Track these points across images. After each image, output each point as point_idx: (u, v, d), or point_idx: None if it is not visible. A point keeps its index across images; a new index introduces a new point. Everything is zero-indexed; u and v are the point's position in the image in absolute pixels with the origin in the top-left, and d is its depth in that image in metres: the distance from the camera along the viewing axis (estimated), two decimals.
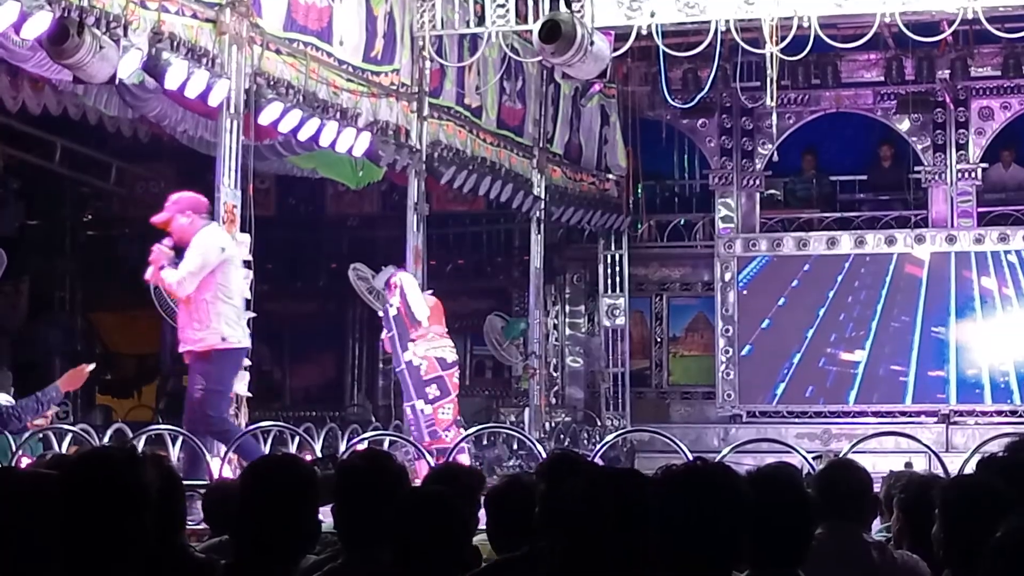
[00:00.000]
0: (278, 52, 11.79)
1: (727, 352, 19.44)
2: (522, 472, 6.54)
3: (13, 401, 10.52)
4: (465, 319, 19.57)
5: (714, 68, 15.29)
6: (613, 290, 20.04)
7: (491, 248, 21.06)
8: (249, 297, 11.10)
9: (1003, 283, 18.68)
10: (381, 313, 13.25)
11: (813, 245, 19.37)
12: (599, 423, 19.19)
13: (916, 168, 19.76)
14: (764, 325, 19.37)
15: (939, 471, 8.69)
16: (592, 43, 12.83)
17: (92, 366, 10.36)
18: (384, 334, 13.09)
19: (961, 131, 19.48)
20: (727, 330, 19.46)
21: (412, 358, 12.70)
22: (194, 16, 10.73)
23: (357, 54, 13.05)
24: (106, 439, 11.34)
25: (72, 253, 20.43)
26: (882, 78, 19.43)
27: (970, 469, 6.91)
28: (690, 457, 7.86)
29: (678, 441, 10.70)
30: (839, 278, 19.16)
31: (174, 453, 10.67)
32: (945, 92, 19.33)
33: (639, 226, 20.36)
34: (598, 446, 11.98)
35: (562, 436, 17.32)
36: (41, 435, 10.72)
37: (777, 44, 13.23)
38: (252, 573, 3.94)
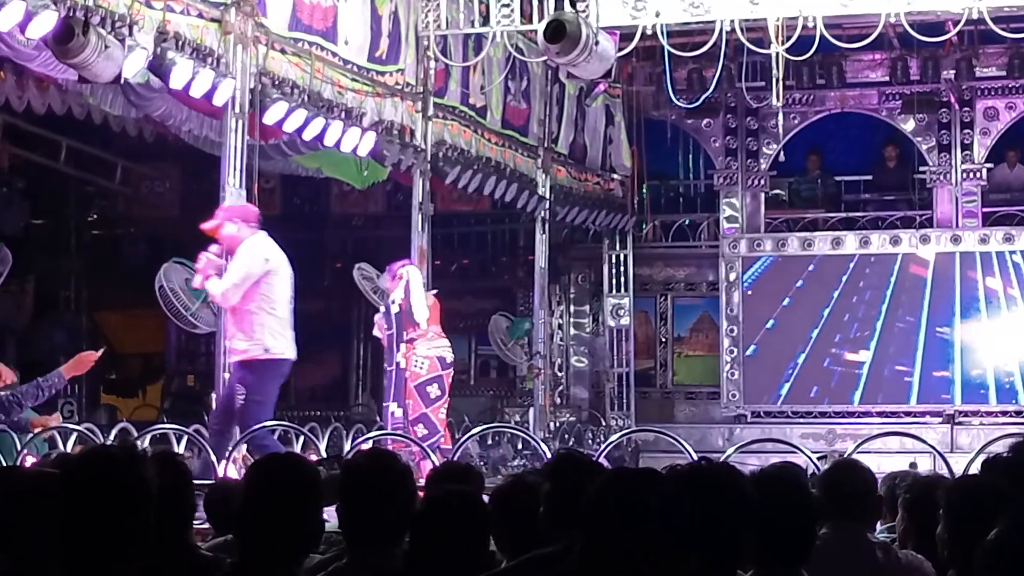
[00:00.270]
0: (283, 52, 11.79)
1: (732, 352, 19.43)
2: (526, 472, 6.54)
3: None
4: (470, 319, 19.61)
5: (719, 68, 15.28)
6: (618, 290, 20.03)
7: (496, 248, 21.08)
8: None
9: (1008, 283, 18.66)
10: (382, 309, 13.15)
11: (818, 245, 19.35)
12: (604, 423, 19.18)
13: (921, 168, 19.74)
14: (769, 325, 19.36)
15: (944, 471, 8.70)
16: (597, 43, 12.82)
17: (99, 353, 10.37)
18: (383, 330, 12.86)
19: (966, 131, 19.46)
20: (732, 330, 19.45)
21: (402, 361, 12.61)
22: (199, 16, 10.74)
23: (362, 54, 13.05)
24: (111, 438, 11.34)
25: (77, 252, 20.46)
26: (887, 78, 19.41)
27: (975, 469, 6.91)
28: (695, 457, 7.85)
29: (683, 441, 10.71)
30: (844, 278, 19.15)
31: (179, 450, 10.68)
32: (950, 92, 19.32)
33: (644, 226, 20.34)
34: (603, 446, 11.97)
35: (567, 436, 17.32)
36: (47, 434, 10.72)
37: (782, 44, 13.23)
38: (256, 572, 3.94)
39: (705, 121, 20.25)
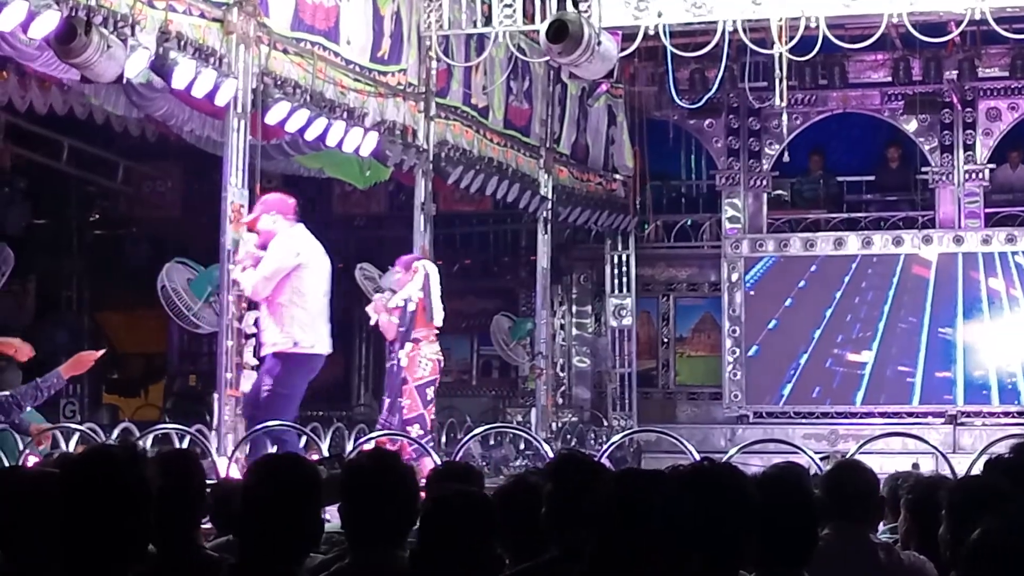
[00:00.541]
0: (285, 52, 11.78)
1: (734, 352, 19.43)
2: (528, 472, 6.54)
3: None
4: (472, 319, 19.60)
5: (721, 68, 15.29)
6: (620, 290, 20.03)
7: (498, 248, 21.08)
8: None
9: (1010, 284, 18.66)
10: (376, 296, 12.95)
11: (820, 246, 19.36)
12: (606, 423, 19.19)
13: (923, 169, 19.76)
14: (771, 326, 19.36)
15: (946, 472, 8.69)
16: (599, 43, 12.81)
17: (99, 353, 10.37)
18: (391, 328, 12.62)
19: (968, 132, 19.47)
20: (734, 331, 19.45)
21: (404, 359, 12.53)
22: (201, 15, 10.73)
23: (364, 54, 13.05)
24: (113, 438, 11.34)
25: (79, 252, 20.45)
26: (889, 79, 19.42)
27: (977, 470, 6.91)
28: (697, 457, 7.84)
29: (685, 441, 10.71)
30: (846, 279, 19.15)
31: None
32: (952, 93, 19.32)
33: (646, 226, 20.35)
34: (605, 446, 11.96)
35: (569, 436, 17.32)
36: (43, 443, 10.67)
37: (785, 44, 13.22)
38: (256, 572, 3.94)
39: (707, 121, 20.25)
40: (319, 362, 11.11)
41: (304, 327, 10.76)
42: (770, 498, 3.85)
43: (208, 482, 8.39)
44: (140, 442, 10.82)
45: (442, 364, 12.86)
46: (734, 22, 13.23)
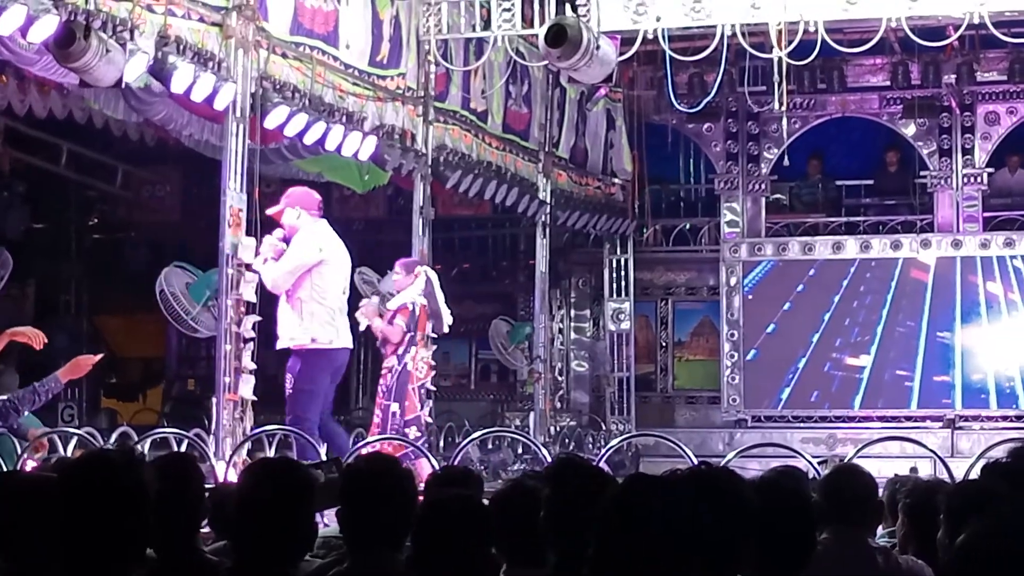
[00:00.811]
0: (284, 56, 11.79)
1: (732, 356, 19.43)
2: (526, 476, 6.53)
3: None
4: (470, 323, 19.57)
5: (720, 72, 15.30)
6: (618, 294, 20.03)
7: (496, 252, 21.07)
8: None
9: (1008, 288, 18.66)
10: (388, 304, 12.88)
11: (819, 250, 19.36)
12: (604, 427, 19.18)
13: (922, 173, 19.76)
14: (769, 330, 19.35)
15: (944, 476, 8.69)
16: (598, 47, 12.82)
17: (98, 357, 10.36)
18: (394, 331, 12.50)
19: (967, 136, 19.47)
20: (732, 335, 19.45)
21: (410, 363, 12.54)
22: (200, 20, 10.73)
23: (363, 58, 13.05)
24: (111, 442, 11.34)
25: (78, 257, 20.46)
26: (888, 83, 19.43)
27: (975, 474, 6.91)
28: (695, 461, 7.85)
29: (683, 445, 10.71)
30: (844, 283, 19.15)
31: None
32: (951, 97, 19.32)
33: (644, 230, 20.36)
34: (603, 450, 11.97)
35: (567, 440, 17.31)
36: (39, 450, 10.66)
37: (784, 48, 13.22)
38: (252, 575, 3.95)
39: (706, 125, 20.26)
40: (342, 356, 11.22)
41: (323, 323, 10.90)
42: (768, 502, 3.85)
43: (206, 486, 8.42)
44: (138, 446, 10.82)
45: (432, 367, 12.86)
46: (733, 26, 13.23)
